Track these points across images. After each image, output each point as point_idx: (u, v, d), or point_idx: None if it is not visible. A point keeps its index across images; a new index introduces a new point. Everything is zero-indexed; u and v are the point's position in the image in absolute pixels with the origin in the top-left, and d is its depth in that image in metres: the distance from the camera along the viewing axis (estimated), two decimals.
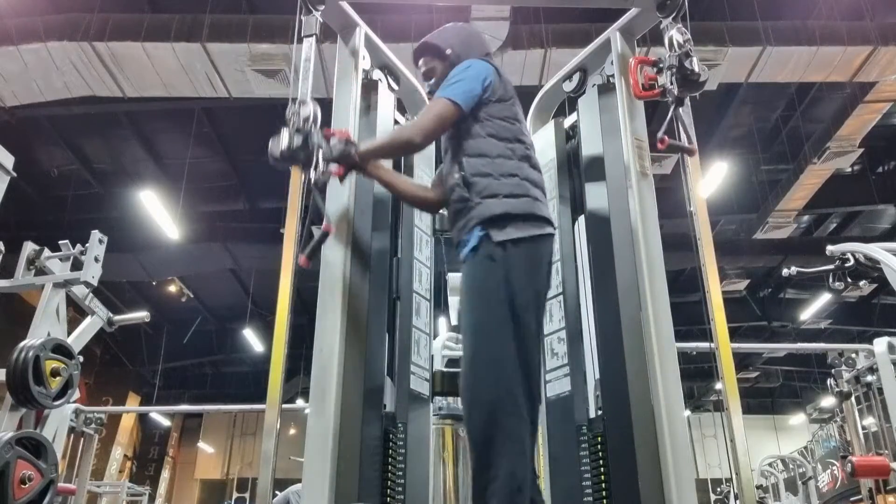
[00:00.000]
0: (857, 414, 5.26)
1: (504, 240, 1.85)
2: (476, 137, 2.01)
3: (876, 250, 3.18)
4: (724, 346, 2.01)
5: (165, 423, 17.05)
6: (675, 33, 2.11)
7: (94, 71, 6.41)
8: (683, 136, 2.13)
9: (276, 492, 6.00)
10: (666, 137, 2.05)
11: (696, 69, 2.05)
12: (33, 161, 9.14)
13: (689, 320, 7.38)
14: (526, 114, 2.97)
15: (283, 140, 1.93)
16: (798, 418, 17.58)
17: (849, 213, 11.10)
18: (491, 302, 1.82)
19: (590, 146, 2.53)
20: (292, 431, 12.92)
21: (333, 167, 2.01)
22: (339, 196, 2.21)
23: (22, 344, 2.96)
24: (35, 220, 9.64)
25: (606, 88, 2.54)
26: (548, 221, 1.96)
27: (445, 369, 2.64)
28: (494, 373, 1.76)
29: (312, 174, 1.95)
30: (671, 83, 2.06)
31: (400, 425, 2.19)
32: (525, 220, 1.90)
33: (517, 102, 2.13)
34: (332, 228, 2.02)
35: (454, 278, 2.86)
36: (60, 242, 3.57)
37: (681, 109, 2.11)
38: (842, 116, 8.01)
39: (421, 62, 2.29)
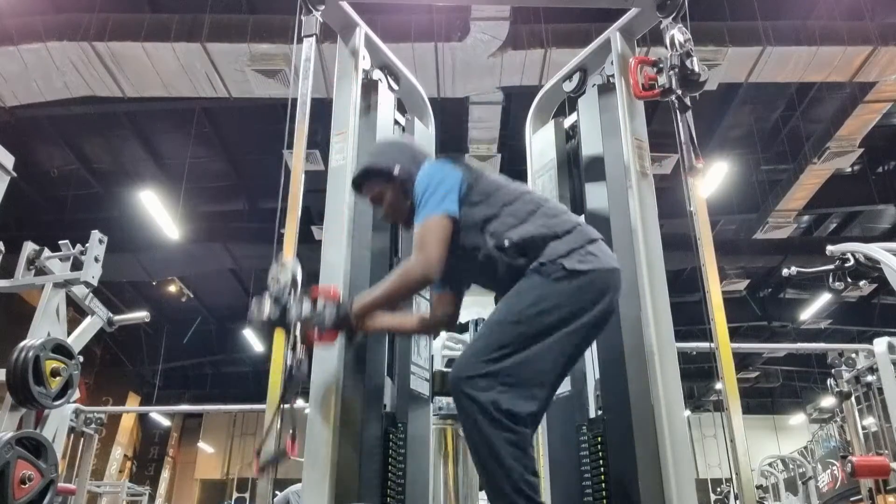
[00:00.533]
0: (857, 414, 5.26)
1: (572, 269, 1.74)
2: (494, 219, 1.83)
3: (876, 250, 3.18)
4: (724, 346, 2.01)
5: (165, 423, 17.05)
6: (676, 33, 2.10)
7: (94, 71, 6.40)
8: (690, 148, 2.10)
9: (276, 492, 6.00)
10: (701, 159, 2.05)
11: (697, 69, 2.05)
12: (33, 161, 9.13)
13: (689, 320, 7.38)
14: (526, 114, 2.99)
15: (263, 307, 1.80)
16: (798, 418, 17.58)
17: (849, 213, 11.09)
18: (535, 315, 1.70)
19: (590, 146, 2.53)
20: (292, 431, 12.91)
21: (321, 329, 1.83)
22: (340, 194, 2.21)
23: (22, 344, 2.96)
24: (35, 220, 9.64)
25: (606, 88, 2.54)
26: (606, 245, 1.88)
27: (445, 369, 2.64)
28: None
29: (291, 356, 1.81)
30: (671, 83, 2.05)
31: (400, 425, 2.19)
32: (587, 247, 1.80)
33: (487, 168, 2.05)
34: (293, 451, 1.80)
35: None
36: (60, 242, 3.57)
37: (688, 116, 2.10)
38: (842, 116, 8.01)
39: (365, 189, 2.04)
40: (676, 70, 2.05)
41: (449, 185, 1.84)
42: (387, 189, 1.98)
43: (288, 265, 1.84)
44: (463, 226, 1.83)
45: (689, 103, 2.10)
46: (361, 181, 2.03)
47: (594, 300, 1.76)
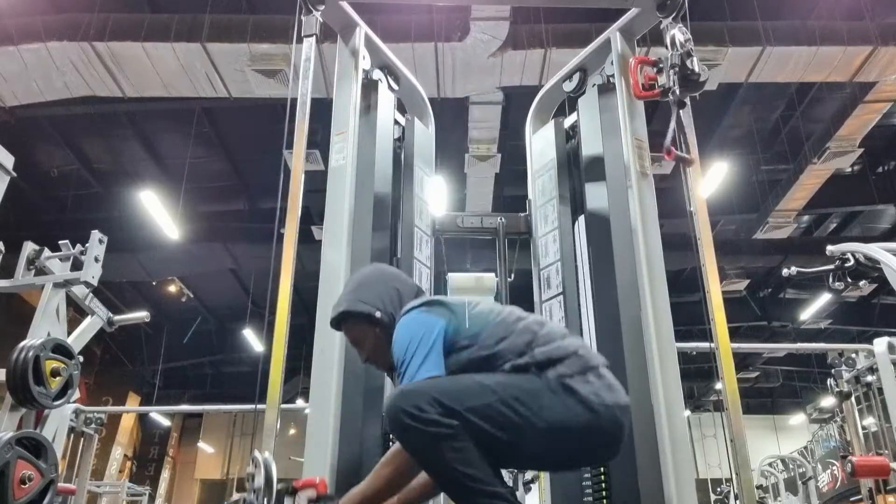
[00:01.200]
0: (857, 414, 5.26)
1: (570, 386, 1.55)
2: (492, 359, 1.63)
3: (876, 250, 3.17)
4: (724, 346, 2.01)
5: (165, 423, 17.05)
6: (676, 33, 2.10)
7: (94, 71, 6.40)
8: (683, 144, 2.12)
9: None
10: (673, 149, 2.03)
11: (697, 69, 2.05)
12: (33, 161, 9.13)
13: (689, 320, 7.38)
14: (526, 114, 2.99)
15: None
16: (798, 418, 17.58)
17: (849, 213, 11.09)
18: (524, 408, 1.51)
19: (590, 146, 2.53)
20: (292, 431, 12.92)
21: None
22: (340, 194, 2.21)
23: (22, 344, 2.96)
24: (35, 220, 9.64)
25: (606, 88, 2.54)
26: (609, 372, 1.65)
27: None
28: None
29: None
30: (671, 83, 2.05)
31: None
32: (587, 375, 1.58)
33: (472, 300, 1.79)
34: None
35: (454, 278, 2.87)
36: (60, 242, 3.57)
37: (682, 114, 2.10)
38: (842, 116, 8.01)
39: (344, 329, 1.85)
40: (676, 70, 2.05)
41: (430, 342, 1.61)
42: (368, 332, 1.79)
43: (261, 464, 1.66)
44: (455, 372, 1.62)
45: (686, 101, 2.10)
46: (340, 324, 1.84)
47: (591, 445, 1.58)
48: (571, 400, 1.53)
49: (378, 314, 1.76)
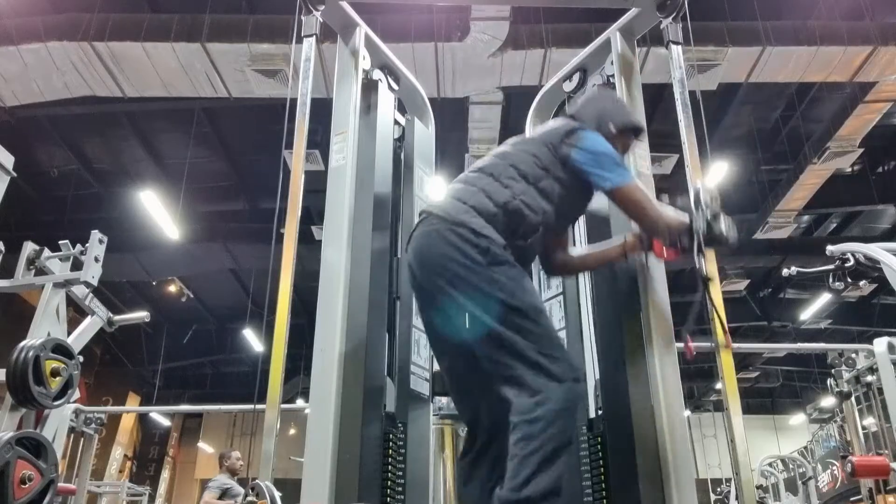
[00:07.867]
0: (857, 414, 5.25)
1: None
2: None
3: (876, 250, 3.17)
4: (724, 346, 2.01)
5: (165, 423, 17.04)
6: (702, 191, 2.02)
7: (94, 71, 6.40)
8: (718, 324, 1.99)
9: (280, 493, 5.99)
10: (692, 346, 1.94)
11: (725, 231, 1.97)
12: (33, 161, 9.13)
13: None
14: (526, 114, 2.99)
15: None
16: (798, 418, 17.56)
17: (849, 213, 11.07)
18: None
19: None
20: (292, 431, 12.92)
21: None
22: (340, 194, 2.21)
23: (22, 344, 2.96)
24: (35, 220, 9.63)
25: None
26: None
27: None
28: None
29: None
30: (696, 249, 1.95)
31: (400, 425, 2.19)
32: None
33: None
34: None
35: None
36: (60, 242, 3.57)
37: (711, 290, 1.98)
38: (842, 116, 8.00)
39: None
40: (703, 233, 1.96)
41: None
42: None
43: (265, 493, 1.76)
44: None
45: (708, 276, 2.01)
46: None
47: None
48: None
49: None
